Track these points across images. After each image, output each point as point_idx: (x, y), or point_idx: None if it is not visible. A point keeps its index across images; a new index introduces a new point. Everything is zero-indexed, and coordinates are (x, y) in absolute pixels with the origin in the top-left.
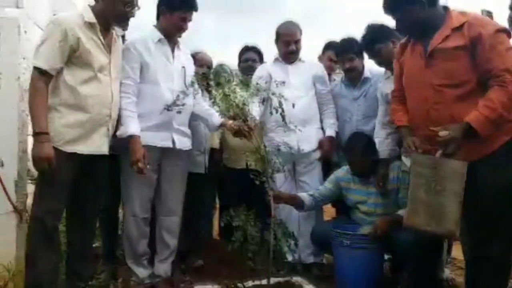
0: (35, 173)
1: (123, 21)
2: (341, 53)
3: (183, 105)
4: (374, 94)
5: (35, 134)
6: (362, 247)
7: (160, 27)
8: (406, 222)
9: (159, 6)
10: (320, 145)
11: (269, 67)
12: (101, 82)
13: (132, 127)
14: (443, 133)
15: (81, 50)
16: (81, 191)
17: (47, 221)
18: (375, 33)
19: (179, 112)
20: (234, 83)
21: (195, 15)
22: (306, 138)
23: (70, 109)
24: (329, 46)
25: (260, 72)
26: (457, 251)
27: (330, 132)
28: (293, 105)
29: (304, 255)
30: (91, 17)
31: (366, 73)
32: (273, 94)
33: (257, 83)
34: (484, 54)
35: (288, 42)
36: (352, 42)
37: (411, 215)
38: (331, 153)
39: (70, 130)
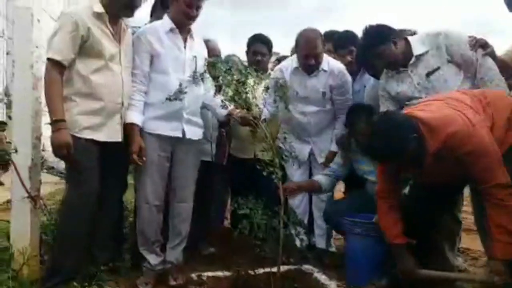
0: (51, 163)
1: (129, 9)
2: (341, 47)
3: (185, 92)
4: (374, 86)
5: (53, 122)
6: (374, 236)
7: (171, 16)
8: None
9: None
10: (327, 159)
11: (288, 75)
12: (112, 71)
13: (132, 116)
14: (498, 279)
15: (92, 40)
16: (101, 178)
17: (84, 207)
18: (375, 36)
19: (180, 99)
20: (234, 74)
21: (207, 8)
22: (321, 150)
23: (84, 98)
24: (328, 38)
25: (278, 77)
26: (471, 242)
27: (335, 147)
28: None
29: (316, 238)
30: (99, 8)
31: None
32: (277, 80)
33: (261, 73)
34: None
35: (307, 56)
36: (351, 35)
37: None
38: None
39: (86, 118)
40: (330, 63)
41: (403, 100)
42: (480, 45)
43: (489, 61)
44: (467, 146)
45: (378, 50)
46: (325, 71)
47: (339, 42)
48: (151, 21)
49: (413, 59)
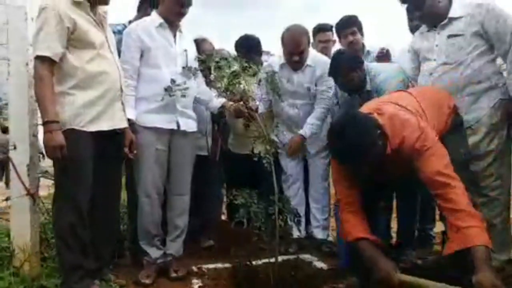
0: (44, 167)
1: None
2: (343, 28)
3: (185, 89)
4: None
5: (45, 123)
6: None
7: (160, 12)
8: None
9: None
10: (289, 143)
11: (276, 69)
12: (106, 58)
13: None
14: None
15: (79, 31)
16: (103, 172)
17: (81, 203)
18: None
19: (183, 96)
20: (230, 64)
21: (196, 9)
22: (313, 141)
23: (83, 90)
24: (319, 29)
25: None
26: None
27: (305, 131)
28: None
29: (313, 229)
30: None
31: (367, 47)
32: (267, 72)
33: (250, 65)
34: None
35: (291, 54)
36: (353, 17)
37: None
38: (298, 152)
39: (89, 109)
40: (315, 57)
41: (421, 58)
42: None
43: None
44: (421, 145)
45: None
46: (310, 66)
47: (341, 22)
48: (136, 18)
49: (445, 21)
